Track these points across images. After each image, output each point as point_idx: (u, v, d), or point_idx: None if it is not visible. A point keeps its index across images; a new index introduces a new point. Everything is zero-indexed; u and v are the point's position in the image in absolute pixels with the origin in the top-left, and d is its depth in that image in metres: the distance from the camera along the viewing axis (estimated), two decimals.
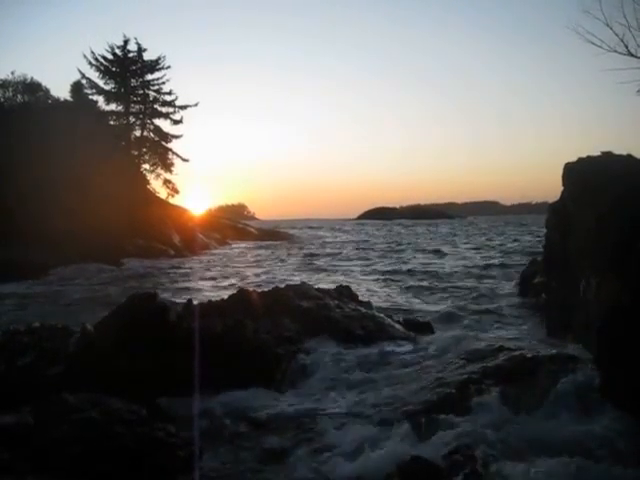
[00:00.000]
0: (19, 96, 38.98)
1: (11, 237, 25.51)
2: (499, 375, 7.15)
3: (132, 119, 44.85)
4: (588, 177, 8.86)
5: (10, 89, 38.77)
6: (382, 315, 11.10)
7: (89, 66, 43.33)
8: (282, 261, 32.48)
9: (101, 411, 5.96)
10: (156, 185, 45.40)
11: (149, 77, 44.89)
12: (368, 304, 11.67)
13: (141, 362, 7.55)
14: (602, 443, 5.70)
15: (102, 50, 43.69)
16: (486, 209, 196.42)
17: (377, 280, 21.99)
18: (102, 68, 43.62)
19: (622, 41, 10.15)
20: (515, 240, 46.17)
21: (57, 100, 40.65)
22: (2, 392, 7.59)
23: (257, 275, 24.76)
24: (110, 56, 43.79)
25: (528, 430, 6.05)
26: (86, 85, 43.44)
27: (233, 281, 22.27)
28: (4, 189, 28.82)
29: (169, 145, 45.49)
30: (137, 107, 44.97)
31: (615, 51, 9.80)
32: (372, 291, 18.66)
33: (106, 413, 5.98)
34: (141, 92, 44.98)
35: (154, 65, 44.77)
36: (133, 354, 7.62)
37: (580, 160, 9.67)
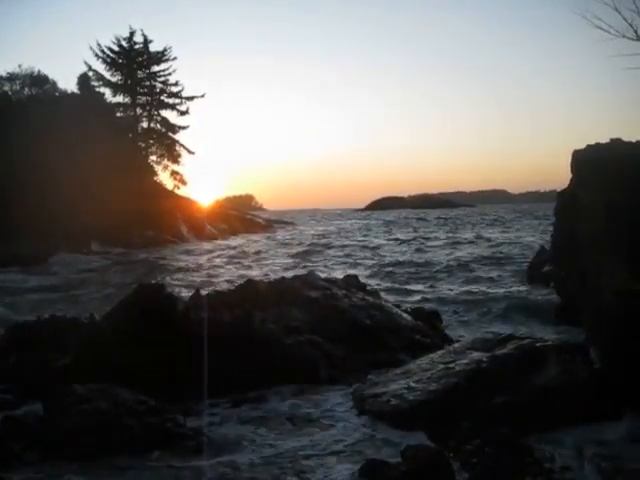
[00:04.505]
0: (26, 89, 39.00)
1: (25, 231, 25.80)
2: (508, 364, 7.12)
3: (139, 111, 44.93)
4: (598, 164, 8.76)
5: (17, 82, 38.82)
6: (390, 304, 11.08)
7: (95, 58, 43.46)
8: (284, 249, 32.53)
9: (110, 402, 5.99)
10: (163, 177, 45.55)
11: (155, 68, 44.99)
12: (376, 293, 11.64)
13: (149, 353, 7.56)
14: None
15: (108, 42, 43.80)
16: (494, 197, 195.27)
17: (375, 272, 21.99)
18: (108, 60, 43.69)
19: (631, 26, 10.02)
20: None
21: (64, 93, 40.65)
22: (13, 384, 7.64)
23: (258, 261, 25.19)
24: (116, 48, 43.88)
25: None
26: (93, 77, 43.52)
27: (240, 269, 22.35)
28: (16, 183, 28.98)
29: (176, 136, 45.61)
30: (144, 99, 45.06)
31: (624, 36, 9.67)
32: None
33: (115, 403, 6.00)
34: (147, 84, 45.05)
35: (160, 56, 44.78)
36: (141, 345, 7.63)
37: (589, 147, 9.56)
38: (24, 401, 7.11)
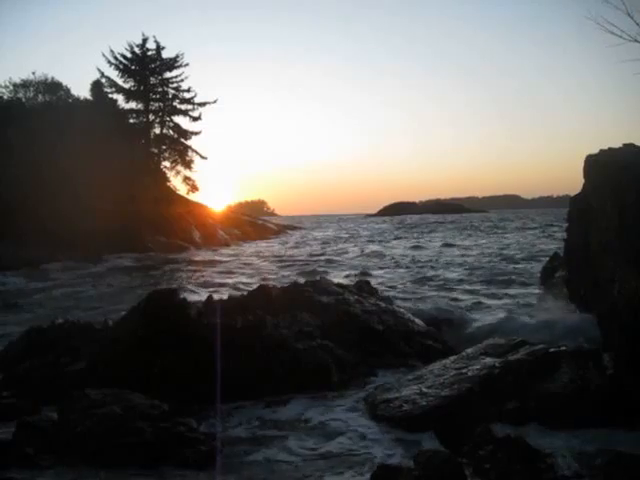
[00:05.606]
0: (40, 96, 39.40)
1: (37, 237, 26.00)
2: (520, 370, 7.09)
3: (151, 117, 45.24)
4: (610, 169, 8.74)
5: (31, 89, 39.23)
6: (402, 310, 11.07)
7: (108, 65, 43.86)
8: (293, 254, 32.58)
9: (123, 406, 6.02)
10: (176, 182, 45.80)
11: (168, 75, 45.31)
12: (388, 299, 11.65)
13: (163, 358, 7.61)
14: None
15: (121, 49, 44.18)
16: (507, 203, 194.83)
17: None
18: (121, 67, 44.05)
19: None
20: None
21: (77, 99, 41.03)
22: (28, 389, 7.71)
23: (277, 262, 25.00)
24: (129, 54, 44.25)
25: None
26: (106, 84, 43.89)
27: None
28: (28, 189, 29.21)
29: (188, 142, 45.87)
30: (156, 105, 45.37)
31: (636, 41, 9.63)
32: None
33: (128, 408, 6.03)
34: (160, 90, 45.35)
35: (173, 63, 45.10)
36: (154, 351, 7.68)
37: (602, 152, 9.55)
38: (39, 406, 7.16)
